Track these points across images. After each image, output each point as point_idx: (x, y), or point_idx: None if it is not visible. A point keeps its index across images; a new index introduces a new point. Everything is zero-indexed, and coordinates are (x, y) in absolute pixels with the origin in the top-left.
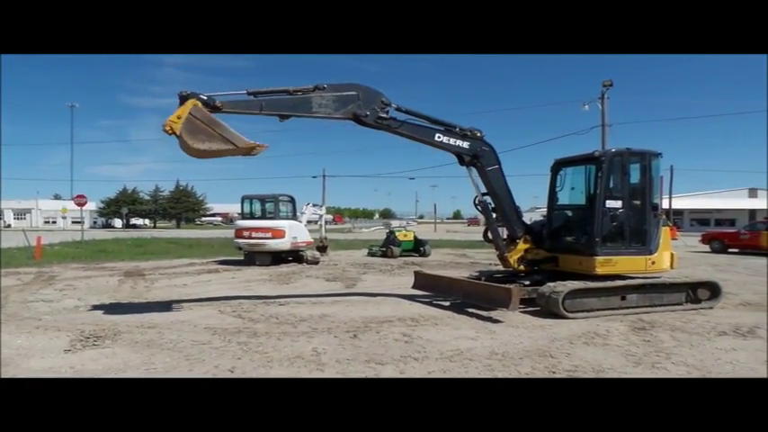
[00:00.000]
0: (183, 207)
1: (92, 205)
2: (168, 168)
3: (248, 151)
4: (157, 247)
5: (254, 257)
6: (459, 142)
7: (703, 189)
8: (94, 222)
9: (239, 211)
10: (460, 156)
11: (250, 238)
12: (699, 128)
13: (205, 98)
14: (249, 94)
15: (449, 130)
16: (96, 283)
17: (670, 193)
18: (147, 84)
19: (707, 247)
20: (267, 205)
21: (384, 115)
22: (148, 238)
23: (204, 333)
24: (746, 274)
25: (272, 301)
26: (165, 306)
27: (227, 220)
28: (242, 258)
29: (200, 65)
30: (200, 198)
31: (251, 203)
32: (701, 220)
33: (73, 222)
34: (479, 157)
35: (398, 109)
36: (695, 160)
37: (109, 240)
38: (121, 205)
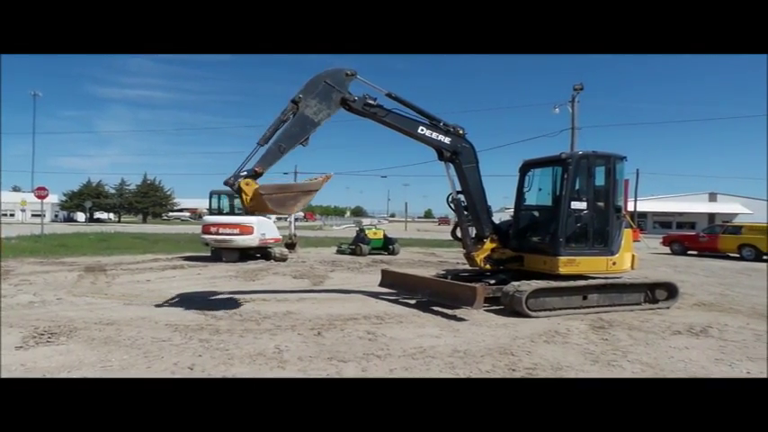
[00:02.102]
0: (149, 201)
1: (53, 198)
2: (136, 161)
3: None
4: (121, 242)
5: (222, 254)
6: (440, 137)
7: (667, 192)
8: (56, 216)
9: (208, 207)
10: (440, 151)
11: (217, 234)
12: (664, 132)
13: (246, 174)
14: (261, 145)
15: (433, 124)
16: (54, 279)
17: (635, 196)
18: (116, 74)
19: (668, 249)
20: (236, 201)
21: (371, 102)
22: (112, 233)
23: (165, 330)
24: (703, 275)
25: (237, 297)
26: (126, 302)
27: (196, 215)
28: (209, 255)
29: (173, 56)
30: (168, 192)
31: (219, 199)
32: (663, 222)
33: (33, 215)
34: (458, 154)
35: (389, 95)
36: (660, 164)
37: (70, 234)
38: (85, 198)
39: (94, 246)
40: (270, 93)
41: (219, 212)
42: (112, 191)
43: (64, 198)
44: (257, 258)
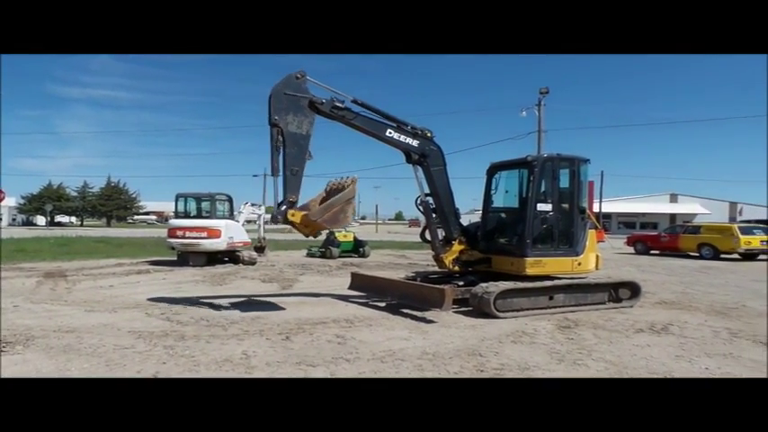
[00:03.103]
0: (114, 204)
1: (11, 201)
2: (100, 163)
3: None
4: (84, 247)
5: (188, 258)
6: (408, 140)
7: (631, 194)
8: (13, 220)
9: (174, 210)
10: (409, 153)
11: (184, 237)
12: (629, 136)
13: (286, 207)
14: (274, 175)
15: (400, 127)
16: (11, 285)
17: (600, 197)
18: (78, 72)
19: (632, 249)
20: (203, 204)
21: (339, 105)
22: (74, 237)
23: (128, 337)
24: (665, 274)
25: (204, 302)
26: (87, 309)
27: (162, 218)
28: (175, 259)
29: (135, 54)
30: (133, 195)
31: (186, 202)
32: (627, 223)
33: None
34: (426, 157)
35: (354, 101)
36: (624, 166)
37: (29, 239)
38: (45, 201)
39: (55, 250)
40: (238, 93)
41: (186, 215)
42: (74, 193)
43: (22, 201)
44: (225, 262)
